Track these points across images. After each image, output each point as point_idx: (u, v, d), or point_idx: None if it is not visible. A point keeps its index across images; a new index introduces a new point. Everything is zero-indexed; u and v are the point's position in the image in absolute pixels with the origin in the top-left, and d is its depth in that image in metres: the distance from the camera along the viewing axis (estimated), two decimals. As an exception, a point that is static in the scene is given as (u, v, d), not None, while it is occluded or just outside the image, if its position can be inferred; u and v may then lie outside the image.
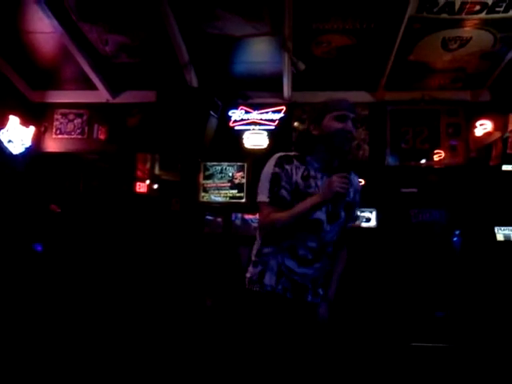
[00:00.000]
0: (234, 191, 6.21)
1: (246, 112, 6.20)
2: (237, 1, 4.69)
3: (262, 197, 1.73)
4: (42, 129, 6.46)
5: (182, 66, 5.58)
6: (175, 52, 5.40)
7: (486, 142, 5.64)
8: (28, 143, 6.14)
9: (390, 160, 6.01)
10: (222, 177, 6.26)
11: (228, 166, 6.27)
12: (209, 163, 6.30)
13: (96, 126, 6.40)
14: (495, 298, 4.75)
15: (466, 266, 5.37)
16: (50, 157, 6.40)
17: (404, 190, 5.93)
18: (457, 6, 4.47)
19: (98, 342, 3.85)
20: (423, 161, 5.95)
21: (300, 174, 1.74)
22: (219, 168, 6.28)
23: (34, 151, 6.29)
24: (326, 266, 1.82)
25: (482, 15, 4.57)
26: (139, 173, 6.49)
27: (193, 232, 6.07)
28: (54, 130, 6.52)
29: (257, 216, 5.86)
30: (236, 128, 6.21)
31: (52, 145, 6.50)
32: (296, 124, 6.00)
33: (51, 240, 5.77)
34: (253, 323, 1.72)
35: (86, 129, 6.46)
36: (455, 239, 5.74)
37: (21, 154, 6.08)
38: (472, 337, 4.10)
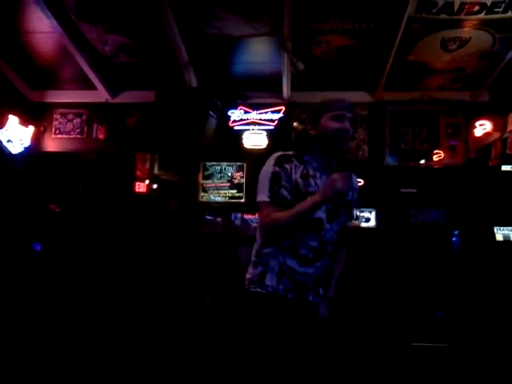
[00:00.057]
0: (234, 191, 6.22)
1: (246, 112, 6.20)
2: (236, 1, 4.69)
3: (262, 196, 1.72)
4: (42, 128, 6.46)
5: (181, 65, 5.58)
6: (174, 52, 5.39)
7: (485, 143, 5.65)
8: (27, 143, 6.14)
9: (390, 160, 6.02)
10: (221, 177, 6.26)
11: (227, 165, 6.27)
12: (208, 163, 6.30)
13: (95, 126, 6.40)
14: (495, 298, 4.76)
15: (465, 266, 5.38)
16: (49, 156, 6.40)
17: (403, 191, 5.94)
18: (456, 7, 4.47)
19: (97, 342, 3.85)
20: (422, 161, 5.95)
21: (299, 173, 1.74)
22: (218, 168, 6.28)
23: (33, 151, 6.29)
24: (326, 264, 1.82)
25: (481, 16, 4.58)
26: (138, 173, 6.49)
27: (192, 232, 6.06)
28: (53, 130, 6.52)
29: (256, 216, 5.87)
30: (235, 128, 6.22)
31: (51, 144, 6.50)
32: (295, 124, 6.00)
33: (50, 239, 5.77)
34: (255, 324, 1.71)
35: (86, 128, 6.46)
36: (454, 239, 5.74)
37: (20, 153, 6.08)
38: (472, 337, 4.11)
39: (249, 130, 6.19)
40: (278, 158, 1.75)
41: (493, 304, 4.67)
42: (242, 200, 6.18)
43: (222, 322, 4.46)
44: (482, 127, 5.72)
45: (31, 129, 6.22)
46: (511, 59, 5.21)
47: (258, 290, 1.74)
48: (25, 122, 6.13)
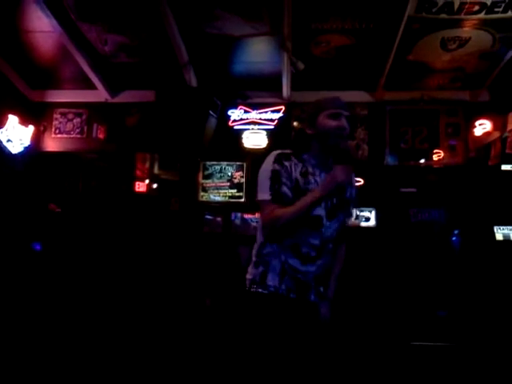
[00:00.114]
0: (234, 191, 6.22)
1: (245, 112, 6.20)
2: (236, 1, 4.69)
3: (263, 195, 1.70)
4: (41, 128, 6.46)
5: (181, 65, 5.58)
6: (174, 52, 5.39)
7: (485, 142, 5.65)
8: (27, 142, 6.14)
9: (390, 160, 6.02)
10: (221, 176, 6.27)
11: (227, 165, 6.27)
12: (208, 163, 6.30)
13: (95, 126, 6.40)
14: (495, 297, 4.76)
15: (465, 266, 5.38)
16: (49, 156, 6.40)
17: (403, 190, 5.94)
18: (456, 6, 4.47)
19: (96, 341, 3.85)
20: (422, 160, 5.96)
21: (299, 170, 1.74)
22: (218, 167, 6.28)
23: (33, 150, 6.29)
24: (327, 262, 1.81)
25: (481, 15, 4.58)
26: (138, 172, 6.49)
27: (192, 231, 6.07)
28: (53, 130, 6.52)
29: (256, 215, 5.87)
30: (235, 127, 6.22)
31: (51, 144, 6.49)
32: (295, 124, 6.00)
33: (50, 239, 5.77)
34: (258, 326, 1.69)
35: (85, 128, 6.46)
36: (454, 238, 5.75)
37: (20, 153, 6.08)
38: (472, 336, 4.11)
39: (249, 129, 6.19)
40: (277, 156, 1.75)
41: (493, 303, 4.67)
42: (242, 199, 6.18)
43: (222, 321, 4.46)
44: (482, 127, 5.72)
45: (31, 128, 6.22)
46: (511, 59, 5.21)
47: (260, 290, 1.73)
48: (25, 121, 6.13)
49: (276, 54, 5.35)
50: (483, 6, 4.45)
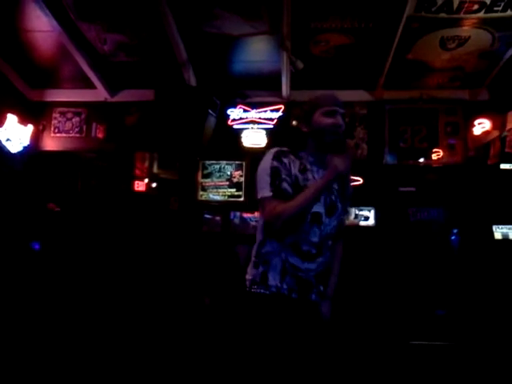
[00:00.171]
0: (233, 190, 6.22)
1: (245, 111, 6.20)
2: (235, 0, 4.69)
3: (264, 192, 1.69)
4: (41, 127, 6.45)
5: (180, 64, 5.58)
6: (173, 51, 5.39)
7: (484, 141, 5.66)
8: (26, 142, 6.13)
9: (389, 159, 6.03)
10: (220, 175, 6.27)
11: (226, 164, 6.28)
12: (207, 162, 6.30)
13: (94, 125, 6.39)
14: (494, 296, 4.76)
15: (464, 265, 5.38)
16: (48, 155, 6.39)
17: (402, 189, 5.94)
18: (455, 6, 4.47)
19: (96, 340, 3.86)
20: (421, 160, 5.96)
21: (297, 167, 1.74)
22: (218, 167, 6.28)
23: (32, 150, 6.29)
24: (327, 259, 1.81)
25: (481, 14, 4.58)
26: (137, 171, 6.48)
27: (191, 231, 6.07)
28: (52, 129, 6.51)
29: (255, 214, 5.87)
30: (234, 127, 6.22)
31: (50, 143, 6.49)
32: (294, 123, 6.00)
33: (49, 238, 5.77)
34: (261, 328, 1.67)
35: (85, 127, 6.46)
36: (453, 238, 5.75)
37: (19, 152, 6.07)
38: (471, 335, 4.11)
39: (248, 128, 6.19)
40: (276, 153, 1.74)
41: (492, 302, 4.68)
42: (241, 199, 6.19)
43: (222, 320, 4.46)
44: (481, 126, 5.72)
45: (30, 128, 6.21)
46: (510, 58, 5.21)
47: (262, 291, 1.71)
48: (24, 120, 6.12)
49: (275, 53, 5.35)
50: (482, 4, 4.45)
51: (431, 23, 4.78)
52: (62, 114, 6.53)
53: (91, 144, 6.40)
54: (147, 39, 5.37)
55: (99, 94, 6.27)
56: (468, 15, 4.61)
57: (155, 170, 6.65)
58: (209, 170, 6.29)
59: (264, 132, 6.15)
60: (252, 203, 5.85)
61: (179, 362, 3.51)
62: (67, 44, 5.41)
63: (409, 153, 6.01)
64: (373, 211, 5.97)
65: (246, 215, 6.14)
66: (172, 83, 5.67)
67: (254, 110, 6.18)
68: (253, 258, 1.80)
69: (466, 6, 4.47)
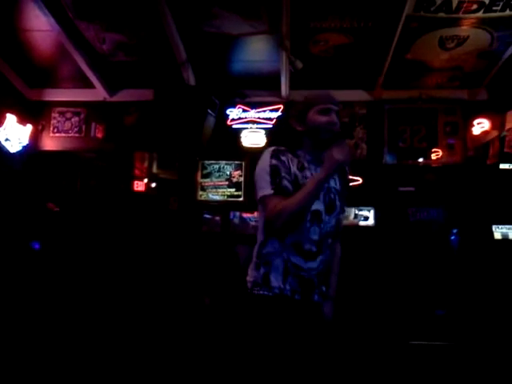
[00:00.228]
0: (232, 190, 6.22)
1: (244, 110, 6.19)
2: (234, -1, 4.69)
3: (265, 191, 1.68)
4: (40, 127, 6.45)
5: (179, 64, 5.57)
6: (173, 50, 5.39)
7: (483, 141, 5.66)
8: (25, 142, 6.13)
9: (388, 159, 6.02)
10: (219, 175, 6.26)
11: (226, 164, 6.27)
12: (207, 162, 6.29)
13: (93, 125, 6.39)
14: (493, 296, 4.76)
15: (463, 265, 5.38)
16: (48, 155, 6.39)
17: (402, 189, 5.94)
18: (454, 5, 4.47)
19: (95, 340, 3.85)
20: (421, 159, 5.96)
21: (295, 165, 1.74)
22: (217, 166, 6.28)
23: (32, 150, 6.28)
24: (327, 258, 1.80)
25: (479, 14, 4.58)
26: (137, 171, 6.48)
27: (191, 231, 6.06)
28: (51, 129, 6.51)
29: (255, 214, 5.87)
30: (234, 126, 6.21)
31: (49, 143, 6.48)
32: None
33: (49, 238, 5.76)
34: (265, 330, 1.65)
35: (84, 127, 6.45)
36: (453, 238, 5.74)
37: (18, 152, 6.07)
38: (471, 335, 4.11)
39: (247, 128, 6.19)
40: (274, 151, 1.74)
41: (491, 302, 4.68)
42: (241, 199, 6.18)
43: (222, 320, 4.46)
44: (480, 125, 5.72)
45: (29, 127, 6.20)
46: (509, 57, 5.22)
47: (265, 292, 1.69)
48: (23, 120, 6.12)
49: (274, 52, 5.34)
50: (481, 4, 4.45)
51: (430, 23, 4.78)
52: (61, 113, 6.52)
53: (90, 144, 6.39)
54: (146, 39, 5.36)
55: (98, 93, 6.27)
56: (467, 15, 4.61)
57: (154, 169, 6.65)
58: (208, 170, 6.28)
59: (263, 132, 6.14)
60: (251, 203, 5.84)
61: (179, 362, 3.51)
62: (66, 43, 5.40)
63: (408, 153, 6.01)
64: (372, 211, 5.96)
65: (245, 215, 6.14)
66: (171, 83, 5.67)
67: (254, 110, 6.17)
68: (254, 260, 1.78)
69: (464, 5, 4.47)
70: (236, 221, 6.18)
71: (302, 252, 1.70)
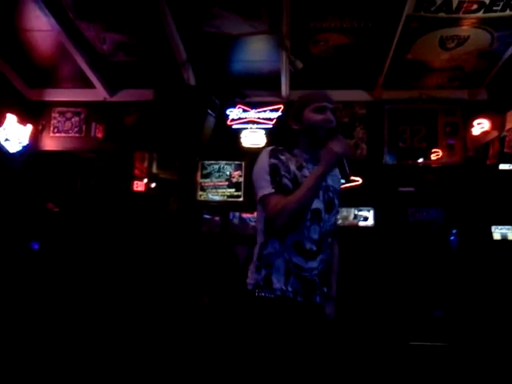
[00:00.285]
0: (232, 190, 6.21)
1: (244, 111, 6.19)
2: (234, -1, 4.69)
3: (266, 190, 1.67)
4: (40, 127, 6.44)
5: (179, 64, 5.57)
6: (173, 50, 5.39)
7: (483, 141, 5.65)
8: (25, 142, 6.12)
9: (388, 159, 6.02)
10: (219, 175, 6.26)
11: (226, 164, 6.27)
12: (206, 162, 6.29)
13: (93, 125, 6.38)
14: (492, 297, 4.76)
15: (463, 265, 5.38)
16: (48, 155, 6.39)
17: (401, 189, 5.93)
18: (454, 5, 4.47)
19: (95, 340, 3.85)
20: (421, 160, 5.96)
21: (294, 164, 1.74)
22: (217, 167, 6.27)
23: (32, 150, 6.28)
24: (327, 257, 1.80)
25: (480, 14, 4.58)
26: (137, 171, 6.47)
27: (190, 231, 6.06)
28: (51, 129, 6.50)
29: (254, 215, 5.87)
30: (234, 127, 6.21)
31: (49, 143, 6.48)
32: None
33: (48, 239, 5.77)
34: (268, 332, 1.64)
35: (84, 127, 6.45)
36: (452, 238, 5.74)
37: (18, 152, 6.06)
38: (470, 336, 4.11)
39: (247, 128, 6.18)
40: (272, 150, 1.75)
41: (490, 303, 4.68)
42: (241, 199, 6.18)
43: (220, 320, 4.46)
44: (480, 126, 5.72)
45: (29, 127, 6.20)
46: (509, 57, 5.21)
47: (266, 294, 1.68)
48: (23, 120, 6.11)
49: (274, 52, 5.34)
50: (482, 4, 4.45)
51: (430, 23, 4.78)
52: (62, 113, 6.52)
53: (90, 144, 6.39)
54: (146, 39, 5.36)
55: (98, 93, 6.27)
56: (467, 15, 4.61)
57: (154, 170, 6.65)
58: (208, 170, 6.28)
59: (263, 132, 6.14)
60: (251, 203, 5.83)
61: (179, 362, 3.51)
62: (66, 43, 5.40)
63: (408, 153, 6.01)
64: (372, 211, 5.96)
65: (245, 215, 6.14)
66: (171, 83, 5.67)
67: (254, 110, 6.17)
68: (255, 261, 1.77)
69: (465, 5, 4.46)
70: (236, 221, 6.17)
71: (303, 251, 1.70)
